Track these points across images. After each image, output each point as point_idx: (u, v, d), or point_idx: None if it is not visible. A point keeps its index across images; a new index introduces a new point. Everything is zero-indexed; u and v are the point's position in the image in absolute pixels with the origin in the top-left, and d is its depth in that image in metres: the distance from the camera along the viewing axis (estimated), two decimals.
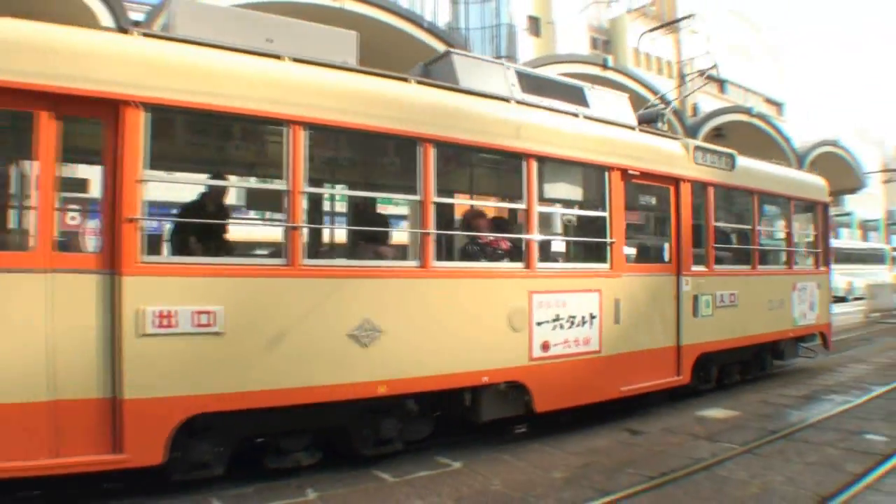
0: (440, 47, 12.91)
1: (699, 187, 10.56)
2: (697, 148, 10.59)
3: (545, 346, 8.14)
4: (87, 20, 10.76)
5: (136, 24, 10.35)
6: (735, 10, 56.74)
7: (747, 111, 22.00)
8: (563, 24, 42.65)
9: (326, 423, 6.97)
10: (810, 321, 13.15)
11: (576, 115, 8.95)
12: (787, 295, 12.45)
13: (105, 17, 10.66)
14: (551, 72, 13.10)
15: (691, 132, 17.82)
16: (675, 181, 10.13)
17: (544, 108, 8.59)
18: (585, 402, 8.74)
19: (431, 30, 13.08)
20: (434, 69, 8.53)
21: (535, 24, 43.30)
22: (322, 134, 7.02)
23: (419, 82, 7.49)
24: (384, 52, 13.06)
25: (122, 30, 5.98)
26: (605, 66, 15.68)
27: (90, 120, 5.72)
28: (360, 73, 7.14)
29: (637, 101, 15.40)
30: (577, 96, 9.36)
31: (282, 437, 6.78)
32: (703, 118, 19.36)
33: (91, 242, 6.33)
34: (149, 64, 5.82)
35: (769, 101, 59.11)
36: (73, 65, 5.47)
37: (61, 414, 5.38)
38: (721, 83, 53.13)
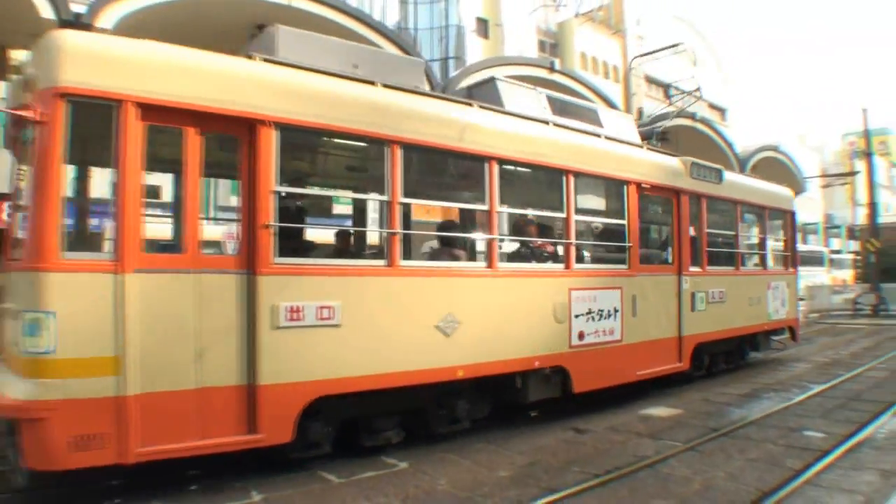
0: (388, 47, 12.87)
1: (695, 198, 12.14)
2: (693, 164, 12.11)
3: (581, 336, 9.42)
4: (25, 10, 10.56)
5: (79, 16, 10.16)
6: (680, 17, 57.58)
7: (691, 116, 22.34)
8: (512, 27, 42.86)
9: (411, 405, 7.91)
10: (782, 316, 15.04)
11: (598, 135, 10.37)
12: (763, 293, 14.24)
13: (46, 9, 10.43)
14: (499, 73, 13.27)
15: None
16: (677, 193, 11.70)
17: (571, 128, 9.89)
18: (610, 384, 10.03)
19: (380, 29, 13.02)
20: (477, 92, 9.71)
21: (483, 26, 43.48)
22: (410, 152, 7.70)
23: (481, 107, 8.63)
24: None
25: (248, 56, 6.85)
26: (552, 69, 15.78)
27: (228, 137, 6.51)
28: (433, 97, 8.36)
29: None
30: (594, 117, 10.80)
31: (374, 419, 7.61)
32: (649, 122, 19.56)
33: (230, 246, 7.05)
34: (278, 88, 6.70)
35: (713, 106, 60.09)
36: (217, 87, 6.27)
37: (207, 400, 6.10)
38: (665, 88, 53.95)
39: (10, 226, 6.51)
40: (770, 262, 15.12)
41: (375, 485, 6.62)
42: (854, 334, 22.09)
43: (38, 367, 5.46)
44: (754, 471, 7.00)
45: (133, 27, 11.06)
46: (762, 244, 14.75)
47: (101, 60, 5.83)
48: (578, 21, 46.41)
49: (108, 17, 10.33)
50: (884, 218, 43.62)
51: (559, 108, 10.23)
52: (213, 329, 6.19)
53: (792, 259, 16.00)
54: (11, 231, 6.68)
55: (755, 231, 15.01)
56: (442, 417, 8.29)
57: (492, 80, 9.82)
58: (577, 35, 46.64)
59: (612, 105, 16.51)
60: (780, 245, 16.00)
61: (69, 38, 5.78)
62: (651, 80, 51.98)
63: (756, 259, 14.88)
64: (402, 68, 8.67)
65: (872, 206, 33.23)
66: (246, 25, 12.48)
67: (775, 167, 31.04)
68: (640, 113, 45.42)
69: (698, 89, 16.98)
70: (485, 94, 9.57)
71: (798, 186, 33.62)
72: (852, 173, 42.41)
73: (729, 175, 13.33)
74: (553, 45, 46.95)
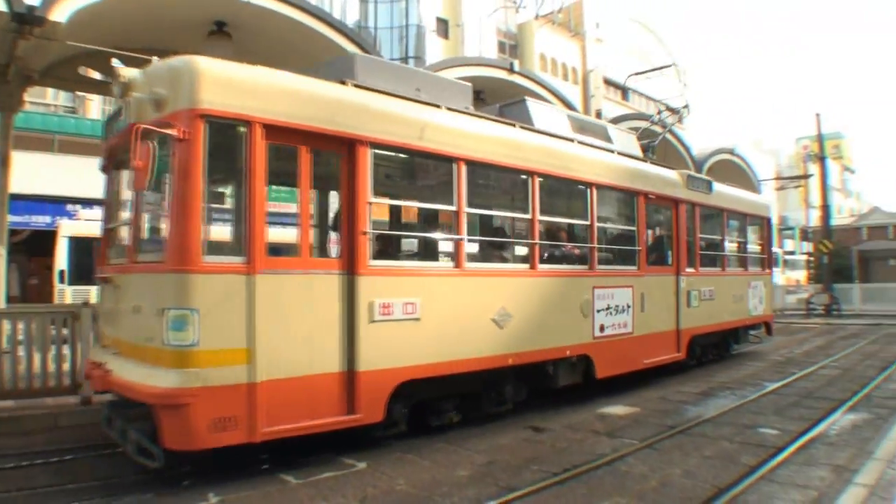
0: (348, 46, 12.79)
1: (690, 207, 13.62)
2: (689, 176, 13.79)
3: (601, 328, 10.73)
4: None
5: (32, 9, 9.96)
6: (637, 19, 58.06)
7: (648, 118, 22.49)
8: (472, 28, 42.93)
9: (467, 389, 8.96)
10: (760, 312, 16.84)
11: (612, 151, 11.74)
12: (745, 291, 16.00)
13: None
14: (457, 74, 13.32)
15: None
16: (676, 202, 13.21)
17: (591, 146, 11.25)
18: (624, 371, 11.33)
19: (339, 28, 12.92)
20: (508, 111, 10.81)
21: (443, 26, 43.50)
22: (472, 168, 8.80)
23: (522, 127, 9.81)
24: (291, 49, 12.89)
25: (341, 81, 7.73)
26: (511, 70, 15.80)
27: (331, 154, 7.41)
28: (485, 119, 9.40)
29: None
30: (604, 134, 12.13)
31: (440, 401, 8.71)
32: (609, 123, 19.71)
33: (334, 250, 7.94)
34: (370, 111, 7.65)
35: (670, 109, 60.74)
36: (323, 110, 7.19)
37: (316, 385, 6.98)
38: (624, 91, 54.33)
39: (132, 234, 7.18)
40: (750, 263, 16.74)
41: (334, 485, 6.58)
42: (807, 333, 22.52)
43: (183, 358, 6.18)
44: (710, 468, 7.10)
45: (87, 22, 10.85)
46: (743, 247, 16.52)
47: (233, 85, 6.62)
48: (538, 23, 46.53)
49: (62, 11, 10.13)
50: (836, 220, 44.57)
51: (578, 125, 11.55)
52: (321, 323, 7.09)
53: (768, 261, 17.95)
54: (127, 238, 7.39)
55: (737, 235, 16.40)
56: (491, 400, 9.39)
57: (523, 100, 11.05)
58: (537, 37, 46.80)
59: (570, 106, 16.62)
60: (758, 248, 17.68)
61: (206, 64, 6.53)
62: (609, 83, 52.38)
63: (739, 261, 16.29)
64: (454, 91, 9.69)
65: (825, 209, 33.84)
66: (204, 21, 12.30)
67: (731, 170, 31.37)
68: (599, 115, 45.81)
69: (686, 106, 18.63)
70: (516, 112, 10.67)
71: (753, 189, 34.09)
72: (806, 176, 43.11)
73: (717, 186, 15.01)
74: (513, 46, 47.12)
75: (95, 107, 33.85)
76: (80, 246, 16.94)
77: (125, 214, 7.87)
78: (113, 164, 8.19)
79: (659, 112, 17.22)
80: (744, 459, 7.39)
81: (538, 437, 8.52)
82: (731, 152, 32.84)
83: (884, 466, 6.33)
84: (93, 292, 15.55)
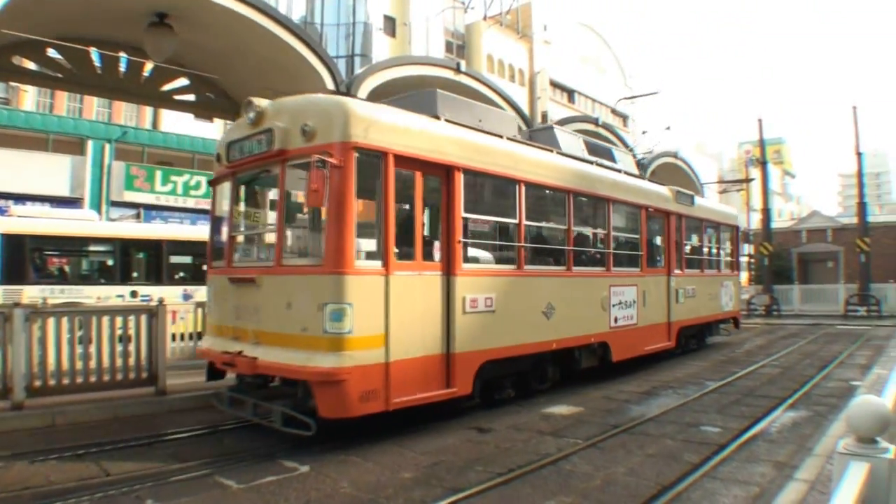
0: (293, 42, 12.65)
1: (678, 217, 16.11)
2: (677, 192, 16.40)
3: (615, 320, 12.93)
4: None
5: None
6: (585, 23, 58.56)
7: (594, 121, 22.75)
8: (420, 26, 42.85)
9: (520, 369, 10.73)
10: (730, 309, 19.78)
11: (619, 170, 14.13)
12: (718, 290, 18.73)
13: None
14: (403, 73, 13.23)
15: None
16: (668, 214, 15.72)
17: (606, 167, 13.57)
18: (632, 356, 13.61)
19: (285, 23, 12.75)
20: (537, 135, 13.02)
21: (391, 24, 43.34)
22: (528, 188, 10.74)
23: (558, 153, 12.01)
24: (235, 43, 12.67)
25: (435, 117, 9.48)
26: (458, 70, 15.75)
27: (435, 178, 9.12)
28: (533, 146, 11.61)
29: (489, 104, 15.64)
30: (610, 154, 14.46)
31: (501, 379, 10.39)
32: (555, 125, 19.81)
33: (437, 255, 9.23)
34: (460, 142, 9.50)
35: (615, 112, 61.32)
36: (431, 142, 8.95)
37: (426, 364, 8.62)
38: (570, 93, 54.76)
39: (278, 242, 8.51)
40: (722, 266, 19.51)
41: (276, 489, 6.46)
42: (748, 333, 22.91)
43: (341, 343, 7.61)
44: (654, 465, 7.14)
45: (22, 11, 10.53)
46: (718, 252, 19.34)
47: (372, 122, 8.16)
48: (486, 24, 46.65)
49: None
50: (776, 223, 45.42)
51: (590, 148, 13.75)
52: (429, 314, 8.74)
53: (737, 263, 20.94)
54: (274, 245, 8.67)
55: (713, 241, 19.20)
56: (536, 378, 11.28)
57: (551, 127, 13.59)
58: (485, 37, 46.94)
59: (517, 109, 16.71)
60: (728, 252, 20.30)
61: (354, 104, 8.22)
62: (556, 85, 52.73)
63: (714, 263, 18.99)
64: (505, 120, 11.79)
65: (766, 212, 34.51)
66: (144, 12, 12.03)
67: (675, 173, 31.83)
68: (545, 117, 46.05)
69: (668, 128, 22.85)
70: (544, 137, 12.75)
71: (696, 192, 34.62)
72: (748, 180, 43.83)
73: (697, 199, 17.95)
74: (460, 46, 47.14)
75: (30, 98, 32.99)
76: (13, 243, 16.42)
77: (260, 226, 10.11)
78: (239, 181, 9.56)
79: (611, 124, 18.28)
80: (687, 457, 7.45)
81: (483, 438, 8.49)
82: (675, 156, 33.32)
83: (823, 462, 6.42)
84: (26, 292, 15.14)
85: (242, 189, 9.71)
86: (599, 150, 14.11)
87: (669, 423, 9.13)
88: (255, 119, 8.79)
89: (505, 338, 9.95)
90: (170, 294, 16.56)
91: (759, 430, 8.77)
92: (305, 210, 9.56)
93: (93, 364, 9.95)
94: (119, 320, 10.35)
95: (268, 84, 12.76)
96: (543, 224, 12.24)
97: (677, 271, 15.82)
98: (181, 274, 19.49)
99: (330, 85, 12.80)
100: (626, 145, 27.25)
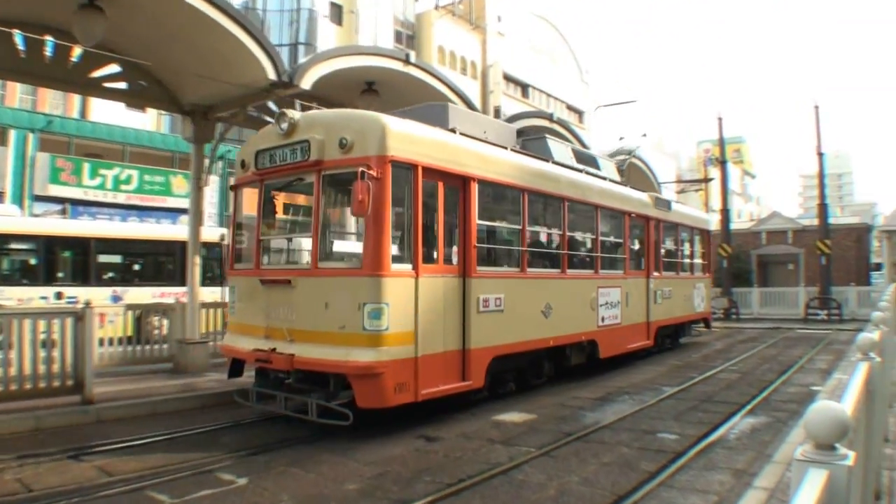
0: (232, 28, 12.46)
1: (657, 222, 17.73)
2: (656, 198, 18.22)
3: (602, 319, 14.36)
4: None
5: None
6: (540, 15, 58.83)
7: (549, 117, 22.77)
8: (368, 15, 42.67)
9: (520, 365, 12.01)
10: (702, 310, 21.57)
11: (604, 178, 15.51)
12: (691, 291, 20.45)
13: None
14: (349, 64, 13.23)
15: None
16: (647, 219, 17.31)
17: (592, 174, 15.00)
18: (617, 353, 15.07)
19: (223, 7, 12.56)
20: (530, 144, 13.98)
21: (337, 12, 43.07)
22: (530, 196, 12.12)
23: (554, 162, 13.48)
24: (170, 28, 12.46)
25: (451, 130, 10.71)
26: (406, 62, 15.67)
27: (454, 188, 10.33)
28: (533, 157, 12.84)
29: (441, 99, 15.64)
30: (594, 162, 16.02)
31: (504, 374, 11.60)
32: (506, 122, 19.76)
33: (454, 259, 10.38)
34: (475, 154, 10.84)
35: (571, 108, 61.81)
36: (451, 154, 10.23)
37: (446, 359, 9.84)
38: (524, 87, 54.99)
39: (314, 246, 9.47)
40: (695, 268, 21.10)
41: None
42: (706, 337, 23.23)
43: (379, 339, 8.70)
44: (609, 474, 7.19)
45: None
46: (691, 255, 20.97)
47: (404, 137, 9.36)
48: (438, 13, 46.75)
49: None
50: (736, 224, 46.16)
51: (577, 156, 15.19)
52: (448, 312, 9.96)
53: (708, 266, 22.82)
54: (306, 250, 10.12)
55: (687, 245, 20.83)
56: (532, 373, 12.54)
57: (543, 137, 14.67)
58: (436, 28, 46.93)
59: (468, 104, 16.72)
60: (701, 255, 21.93)
61: (388, 120, 9.25)
62: (509, 79, 52.92)
63: (688, 266, 20.58)
64: (505, 132, 13.36)
65: (725, 213, 35.03)
66: None
67: (633, 171, 32.05)
68: (498, 112, 46.21)
69: (640, 145, 24.05)
70: (537, 147, 13.94)
71: (654, 190, 34.99)
72: (707, 179, 44.40)
73: (674, 205, 19.60)
74: (410, 36, 47.08)
75: None
76: None
77: (292, 230, 12.02)
78: (269, 187, 10.53)
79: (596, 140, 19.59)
80: (643, 465, 7.52)
81: (431, 447, 8.49)
82: (633, 154, 33.64)
83: (783, 469, 6.51)
84: None
85: (272, 195, 10.74)
86: (585, 158, 15.66)
87: (625, 431, 9.23)
88: (287, 130, 9.81)
89: (511, 335, 11.21)
90: (98, 296, 16.29)
91: (717, 436, 8.90)
92: (338, 217, 11.66)
93: (13, 371, 9.73)
94: (42, 324, 10.12)
95: (205, 72, 12.56)
96: (542, 229, 13.67)
97: (656, 274, 17.44)
98: (110, 274, 19.20)
99: (271, 75, 12.63)
100: (581, 143, 27.46)
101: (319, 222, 9.54)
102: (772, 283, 41.09)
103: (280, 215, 11.29)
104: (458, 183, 10.38)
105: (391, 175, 9.02)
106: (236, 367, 10.66)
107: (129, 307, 14.43)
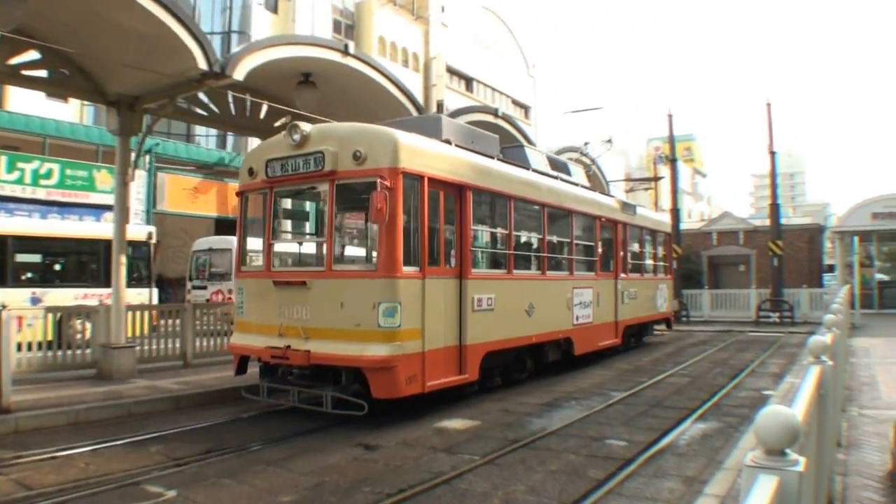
0: (160, 13, 12.27)
1: (623, 226, 19.63)
2: (623, 203, 20.19)
3: (577, 318, 16.02)
4: None
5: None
6: (486, 6, 58.96)
7: (494, 112, 22.82)
8: (305, 3, 42.31)
9: (505, 360, 13.32)
10: (664, 310, 23.49)
11: (577, 184, 17.41)
12: (655, 292, 22.47)
13: None
14: (285, 54, 13.20)
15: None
16: (615, 223, 19.12)
17: (567, 181, 16.80)
18: (590, 350, 16.77)
19: None
20: (508, 152, 15.25)
21: None
22: (516, 203, 13.63)
23: (534, 170, 15.18)
24: (94, 14, 12.25)
25: (447, 141, 12.12)
26: (345, 53, 15.58)
27: (452, 196, 11.63)
28: (518, 166, 14.53)
29: (381, 92, 15.64)
30: (566, 168, 17.63)
31: (491, 369, 12.75)
32: (449, 116, 19.77)
33: (452, 261, 11.69)
34: (469, 165, 12.21)
35: (517, 103, 62.08)
36: (450, 165, 11.57)
37: (445, 354, 11.07)
38: (468, 81, 55.10)
39: (328, 250, 10.78)
40: (658, 270, 23.13)
41: None
42: (655, 340, 23.52)
43: (392, 335, 9.96)
44: (556, 482, 7.25)
45: None
46: (654, 257, 23.00)
47: (413, 150, 10.69)
48: (378, 2, 46.57)
49: None
50: (686, 224, 46.82)
51: (552, 163, 16.86)
52: (448, 311, 11.25)
53: (669, 268, 25.13)
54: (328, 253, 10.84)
55: (650, 247, 22.79)
56: (516, 369, 13.95)
57: (521, 146, 16.76)
58: (377, 18, 46.73)
59: (411, 98, 16.77)
60: (662, 257, 23.92)
61: (399, 135, 10.52)
62: (453, 72, 52.99)
63: (652, 268, 22.67)
64: (491, 142, 14.28)
65: (675, 212, 35.40)
66: None
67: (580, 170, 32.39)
68: (440, 106, 46.15)
69: (610, 139, 27.41)
70: (515, 155, 15.37)
71: (602, 189, 35.32)
72: (656, 178, 44.98)
73: (639, 209, 21.77)
74: (350, 26, 46.81)
75: None
76: None
77: (302, 235, 13.91)
78: (278, 194, 11.79)
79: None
80: (591, 473, 7.59)
81: (370, 456, 8.47)
82: (581, 151, 33.92)
83: (734, 476, 6.60)
84: None
85: (281, 202, 12.13)
86: (559, 165, 17.34)
87: (572, 437, 9.32)
88: (300, 141, 10.95)
89: (500, 332, 12.56)
90: (16, 298, 15.97)
91: (667, 443, 9.04)
92: (350, 223, 13.43)
93: None
94: None
95: (131, 61, 12.36)
96: (524, 234, 14.89)
97: (623, 275, 19.27)
98: (29, 275, 18.80)
99: (202, 64, 12.46)
100: (527, 139, 27.63)
101: (333, 227, 10.87)
102: (723, 284, 41.69)
103: (290, 220, 13.29)
104: (456, 191, 11.70)
105: (402, 185, 10.33)
106: (244, 364, 11.77)
107: (50, 310, 14.15)
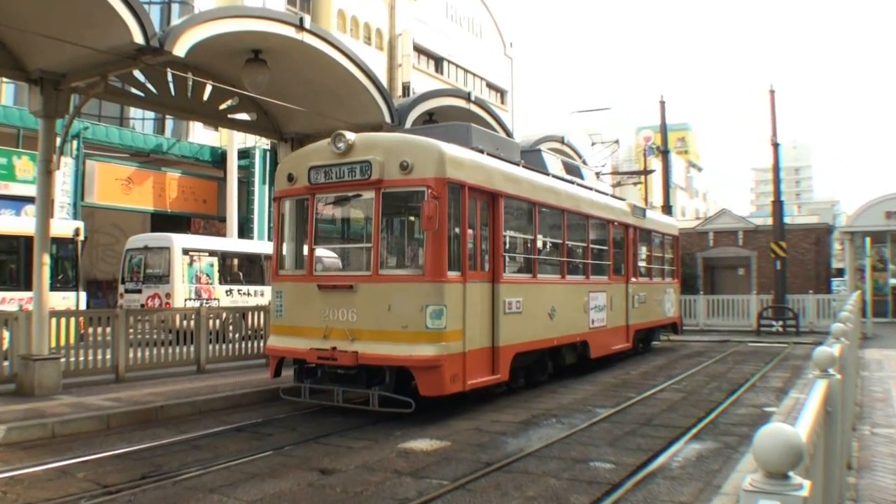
0: None
1: (634, 229, 21.64)
2: (633, 206, 22.35)
3: (592, 321, 17.82)
4: None
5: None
6: None
7: (466, 96, 22.77)
8: None
9: (528, 362, 14.91)
10: (672, 315, 25.77)
11: (590, 188, 19.12)
12: (663, 296, 24.60)
13: None
14: (233, 27, 13.19)
15: (399, 116, 18.15)
16: (626, 226, 21.13)
17: (581, 185, 18.64)
18: (604, 354, 18.66)
19: None
20: (526, 157, 16.54)
21: None
22: (540, 209, 15.48)
23: (553, 176, 16.90)
24: None
25: (479, 150, 13.68)
26: (300, 27, 15.50)
27: (486, 203, 13.32)
28: (542, 173, 16.34)
29: (340, 73, 15.60)
30: (579, 172, 19.54)
31: (516, 370, 14.09)
32: (412, 101, 19.64)
33: (486, 266, 13.31)
34: (501, 174, 13.89)
35: (492, 86, 62.08)
36: (487, 175, 13.29)
37: (482, 354, 12.69)
38: (438, 61, 55.05)
39: (375, 255, 12.22)
40: (665, 274, 25.39)
41: None
42: (645, 351, 23.55)
43: (439, 336, 11.52)
44: None
45: None
46: (662, 260, 25.25)
47: (455, 161, 12.25)
48: None
49: None
50: (679, 223, 46.99)
51: (565, 167, 18.61)
52: (484, 313, 12.86)
53: (677, 271, 27.46)
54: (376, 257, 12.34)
55: (658, 250, 24.92)
56: (538, 371, 15.72)
57: (539, 151, 18.35)
58: None
59: (374, 81, 16.80)
60: (670, 260, 26.34)
61: (445, 147, 12.14)
62: (421, 51, 52.89)
63: (660, 272, 24.83)
64: (512, 148, 16.25)
65: (667, 210, 35.60)
66: None
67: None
68: (407, 89, 46.13)
69: (617, 141, 30.16)
70: (533, 160, 16.82)
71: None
72: (646, 171, 45.15)
73: (648, 212, 24.29)
74: None
75: None
76: None
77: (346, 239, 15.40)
78: (321, 201, 13.37)
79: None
80: (573, 499, 7.61)
81: (327, 481, 8.42)
82: (561, 141, 34.05)
83: (733, 502, 6.62)
84: None
85: (323, 208, 13.75)
86: (573, 169, 19.15)
87: (553, 459, 9.32)
88: (344, 150, 12.41)
89: (527, 334, 14.30)
90: None
91: (658, 465, 9.07)
92: (394, 229, 15.29)
93: None
94: None
95: (57, 33, 12.20)
96: (547, 239, 16.55)
97: (633, 279, 21.23)
98: None
99: (138, 38, 12.30)
100: (504, 129, 27.68)
101: (379, 233, 12.44)
102: (720, 289, 41.84)
103: (333, 225, 15.30)
104: (489, 199, 13.40)
105: (447, 194, 11.94)
106: (280, 367, 13.17)
107: None
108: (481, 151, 13.72)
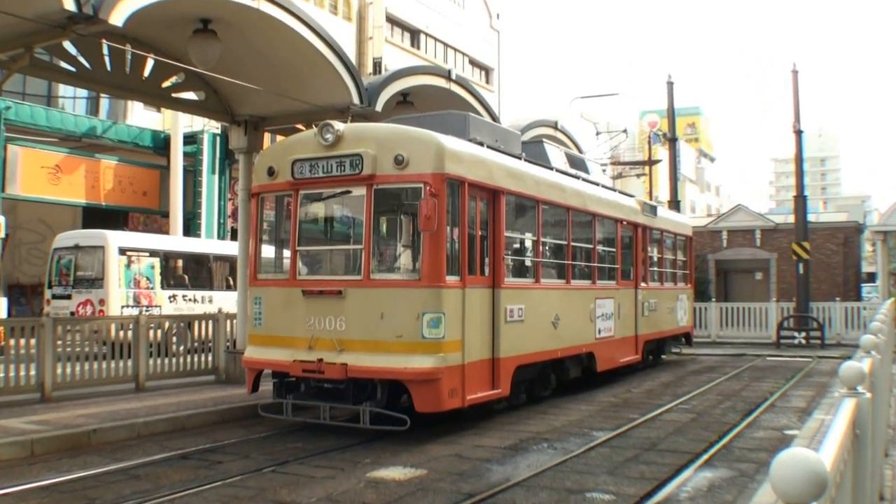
0: None
1: (644, 229, 22.02)
2: (644, 204, 22.80)
3: (599, 331, 18.06)
4: None
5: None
6: None
7: (446, 75, 22.66)
8: None
9: (530, 376, 15.15)
10: (684, 324, 26.07)
11: (596, 183, 19.62)
12: (675, 304, 24.94)
13: None
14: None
15: (369, 96, 18.02)
16: (635, 226, 21.42)
17: (588, 181, 18.86)
18: (610, 367, 18.94)
19: None
20: (527, 149, 16.73)
21: None
22: (543, 207, 15.74)
23: (557, 170, 17.22)
24: None
25: (479, 143, 13.90)
26: None
27: (487, 201, 13.59)
28: (544, 167, 16.52)
29: (301, 46, 15.60)
30: (584, 166, 19.89)
31: (517, 384, 14.29)
32: (384, 79, 19.50)
33: (486, 270, 13.49)
34: (503, 169, 14.19)
35: (476, 63, 62.00)
36: (487, 171, 13.52)
37: (481, 367, 12.88)
38: (414, 34, 54.96)
39: (366, 259, 12.39)
40: (678, 279, 25.89)
41: None
42: (649, 367, 23.53)
43: (437, 347, 11.68)
44: None
45: None
46: (674, 264, 25.66)
47: (455, 156, 12.46)
48: None
49: None
50: (690, 220, 47.08)
51: (570, 160, 19.13)
52: (484, 322, 13.07)
53: (690, 276, 27.75)
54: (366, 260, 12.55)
55: (670, 253, 25.31)
56: (540, 385, 15.93)
57: (541, 142, 18.73)
58: None
59: (343, 58, 16.77)
60: (683, 263, 26.71)
61: (444, 140, 12.33)
62: (395, 22, 52.77)
63: (671, 276, 25.25)
64: (512, 138, 16.43)
65: (675, 205, 35.62)
66: None
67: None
68: (379, 66, 46.00)
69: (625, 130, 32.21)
70: (535, 152, 17.00)
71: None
72: (651, 162, 45.19)
73: (660, 210, 24.57)
74: None
75: None
76: None
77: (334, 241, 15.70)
78: (306, 198, 13.55)
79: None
80: None
81: None
82: (555, 126, 34.12)
83: None
84: None
85: (308, 205, 13.94)
86: (577, 162, 19.66)
87: (544, 489, 9.30)
88: (333, 141, 12.53)
89: (530, 345, 14.59)
90: None
91: (664, 496, 9.08)
92: (387, 229, 15.46)
93: None
94: None
95: None
96: (550, 240, 16.87)
97: (643, 284, 21.61)
98: None
99: (69, 3, 12.11)
100: (490, 113, 27.72)
101: (370, 234, 12.54)
102: (734, 296, 41.88)
103: (319, 225, 15.09)
104: (490, 196, 13.63)
105: (445, 191, 12.11)
106: (258, 381, 13.29)
107: None
108: (481, 144, 13.90)
